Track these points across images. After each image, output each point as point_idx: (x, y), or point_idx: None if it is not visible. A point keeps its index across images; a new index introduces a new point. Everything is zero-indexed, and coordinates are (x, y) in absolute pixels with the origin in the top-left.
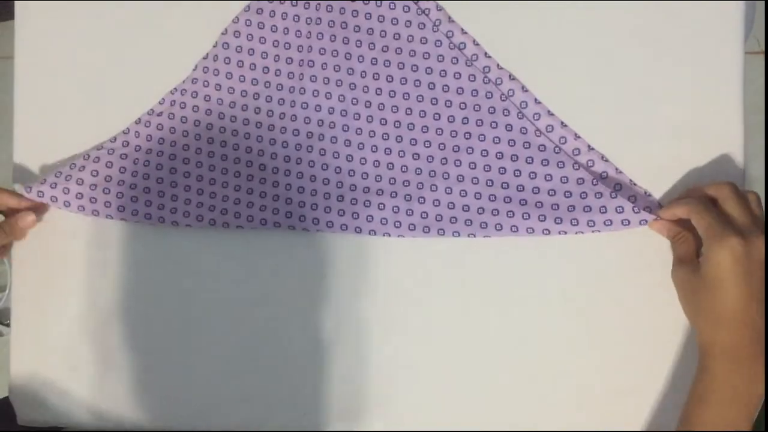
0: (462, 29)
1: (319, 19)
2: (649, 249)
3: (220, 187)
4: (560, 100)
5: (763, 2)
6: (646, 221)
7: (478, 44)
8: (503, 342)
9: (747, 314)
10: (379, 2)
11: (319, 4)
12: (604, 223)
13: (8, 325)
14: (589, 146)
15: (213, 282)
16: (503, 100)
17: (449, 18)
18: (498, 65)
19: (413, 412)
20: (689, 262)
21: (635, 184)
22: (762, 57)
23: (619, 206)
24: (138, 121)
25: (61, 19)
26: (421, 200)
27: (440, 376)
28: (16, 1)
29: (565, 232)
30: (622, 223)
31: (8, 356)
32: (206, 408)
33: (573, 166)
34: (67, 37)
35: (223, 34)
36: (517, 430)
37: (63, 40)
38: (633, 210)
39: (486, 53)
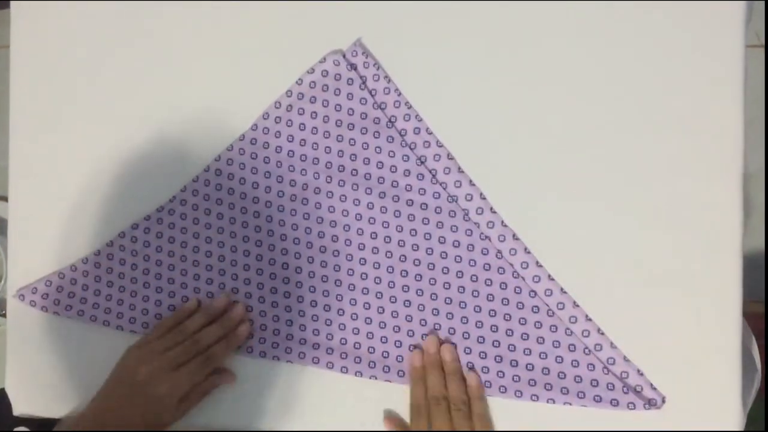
0: (470, 180)
1: (317, 159)
2: None
3: None
4: (561, 93)
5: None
6: (634, 405)
7: (484, 198)
8: None
9: None
10: (378, 149)
11: (316, 143)
12: (594, 399)
13: (4, 316)
14: (586, 316)
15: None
16: (499, 258)
17: (459, 168)
18: (503, 222)
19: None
20: None
21: (642, 374)
22: (762, 50)
23: (610, 383)
24: (122, 235)
25: (57, 9)
26: (411, 348)
27: None
28: None
29: (553, 400)
30: (611, 403)
31: (4, 348)
32: (205, 404)
33: (566, 332)
34: (62, 26)
35: (216, 160)
36: (517, 430)
37: (58, 30)
38: (623, 390)
39: (491, 208)
